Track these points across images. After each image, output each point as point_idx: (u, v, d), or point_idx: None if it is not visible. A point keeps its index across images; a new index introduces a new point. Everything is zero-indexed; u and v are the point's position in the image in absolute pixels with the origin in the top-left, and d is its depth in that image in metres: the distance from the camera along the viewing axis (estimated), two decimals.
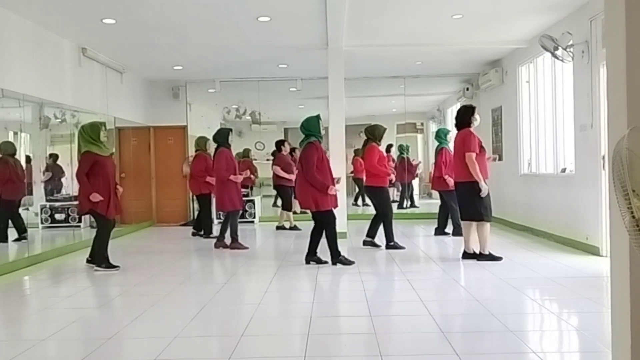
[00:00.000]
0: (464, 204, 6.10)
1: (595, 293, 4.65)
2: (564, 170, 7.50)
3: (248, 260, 6.75)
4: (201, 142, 8.85)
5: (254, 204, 11.01)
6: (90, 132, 5.94)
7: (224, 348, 3.39)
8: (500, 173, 9.81)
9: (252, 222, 10.93)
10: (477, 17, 7.21)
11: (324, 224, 6.05)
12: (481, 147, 6.05)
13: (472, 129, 6.05)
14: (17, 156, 7.41)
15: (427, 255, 7.01)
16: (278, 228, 9.71)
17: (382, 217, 7.14)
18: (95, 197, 5.81)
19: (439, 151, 8.13)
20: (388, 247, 7.11)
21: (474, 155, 5.85)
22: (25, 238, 7.23)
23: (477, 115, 6.12)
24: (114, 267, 6.07)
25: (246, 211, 10.92)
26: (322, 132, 6.10)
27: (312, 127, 6.00)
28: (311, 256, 6.15)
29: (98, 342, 3.53)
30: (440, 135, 8.28)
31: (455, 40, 8.44)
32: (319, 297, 4.73)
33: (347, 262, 6.04)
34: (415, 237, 8.57)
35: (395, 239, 7.17)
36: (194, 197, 8.88)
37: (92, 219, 6.73)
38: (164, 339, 3.50)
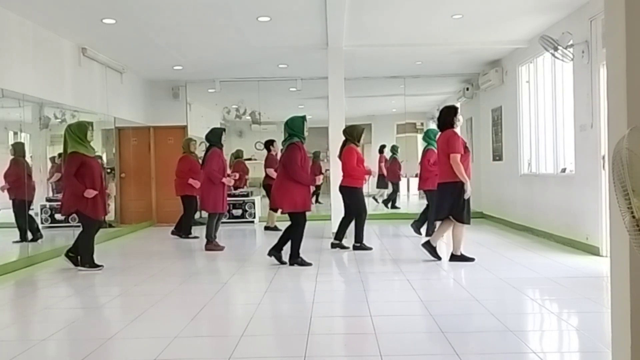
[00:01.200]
0: (443, 204, 6.06)
1: (595, 293, 4.65)
2: (564, 170, 7.50)
3: (248, 260, 6.75)
4: (185, 143, 8.91)
5: (253, 204, 11.01)
6: (78, 132, 5.90)
7: (224, 348, 3.39)
8: (500, 173, 9.82)
9: (252, 222, 10.92)
10: (477, 17, 7.21)
11: (294, 224, 6.05)
12: (465, 148, 6.04)
13: (455, 130, 6.04)
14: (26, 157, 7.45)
15: (427, 255, 6.99)
16: (266, 228, 9.63)
17: (356, 217, 7.10)
18: (90, 193, 5.77)
19: (426, 151, 8.12)
20: (355, 247, 7.10)
21: (458, 156, 5.83)
22: (26, 240, 7.24)
23: (459, 116, 6.12)
24: (97, 266, 6.05)
25: (246, 211, 10.92)
26: (306, 133, 6.08)
27: (296, 128, 6.00)
28: (276, 252, 6.13)
29: (98, 342, 3.53)
30: (430, 135, 8.25)
31: (455, 40, 8.44)
32: (319, 297, 4.72)
33: (304, 264, 6.04)
34: (413, 237, 8.56)
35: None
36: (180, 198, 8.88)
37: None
38: (164, 339, 3.50)
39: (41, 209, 8.64)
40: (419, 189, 8.67)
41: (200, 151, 9.72)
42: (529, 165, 8.73)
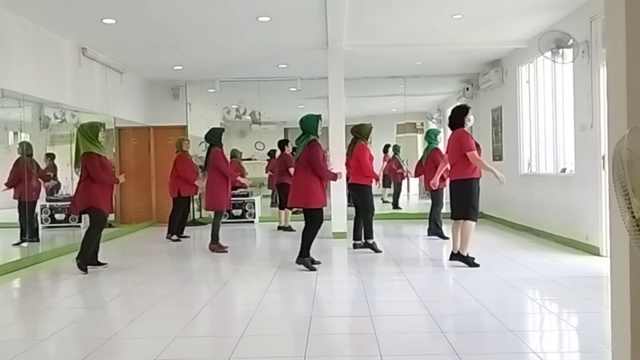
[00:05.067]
0: (455, 203, 6.03)
1: (595, 293, 4.65)
2: (564, 170, 7.50)
3: (248, 260, 6.75)
4: (178, 143, 8.94)
5: (253, 204, 11.02)
6: (90, 132, 5.97)
7: (224, 348, 3.39)
8: (501, 173, 9.80)
9: (252, 222, 10.93)
10: (477, 17, 7.22)
11: (311, 221, 5.98)
12: (476, 146, 6.05)
13: (465, 129, 6.03)
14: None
15: (427, 255, 7.01)
16: (280, 228, 9.69)
17: (363, 214, 7.11)
18: (122, 178, 6.11)
19: (432, 150, 8.15)
20: (366, 245, 7.08)
21: (475, 152, 5.85)
22: (33, 241, 7.29)
23: (470, 116, 6.08)
24: (103, 264, 6.20)
25: (246, 211, 10.93)
26: (319, 132, 6.07)
27: (310, 126, 5.98)
28: (300, 257, 6.07)
29: (98, 342, 3.53)
30: (431, 135, 8.31)
31: (455, 40, 8.44)
32: (318, 297, 4.73)
33: (311, 267, 5.91)
34: (413, 237, 8.57)
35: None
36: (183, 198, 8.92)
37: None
38: (164, 339, 3.50)
39: (41, 209, 8.64)
40: (426, 189, 8.67)
41: (200, 151, 9.72)
42: (529, 165, 8.73)
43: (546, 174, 8.07)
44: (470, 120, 6.09)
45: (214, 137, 7.46)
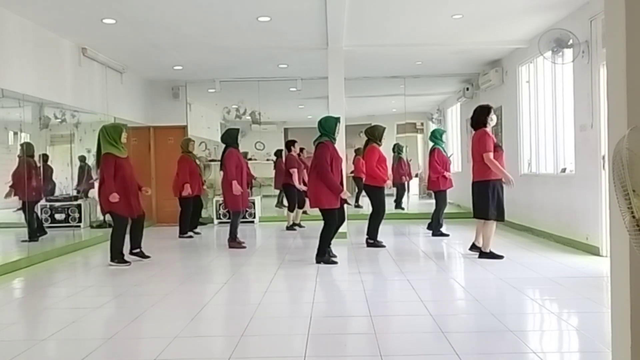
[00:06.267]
0: (476, 203, 6.17)
1: (595, 293, 4.65)
2: (564, 170, 7.50)
3: (248, 260, 6.75)
4: (184, 143, 9.02)
5: (254, 204, 11.01)
6: (113, 133, 6.18)
7: (224, 348, 3.39)
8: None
9: (252, 222, 10.92)
10: (477, 17, 7.22)
11: (325, 222, 6.13)
12: (497, 146, 6.16)
13: (487, 129, 6.08)
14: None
15: (427, 255, 7.01)
16: (298, 226, 9.85)
17: (374, 215, 7.26)
18: (114, 198, 6.04)
19: (432, 152, 8.20)
20: (369, 244, 7.25)
21: (491, 154, 5.94)
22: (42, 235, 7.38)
23: (493, 115, 6.19)
24: (125, 262, 6.33)
25: (246, 211, 10.92)
26: (337, 134, 6.27)
27: (328, 128, 6.18)
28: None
29: (98, 342, 3.53)
30: (436, 135, 8.35)
31: (455, 40, 8.44)
32: (319, 297, 4.73)
33: (330, 262, 6.13)
34: (414, 236, 8.57)
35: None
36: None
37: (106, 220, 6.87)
38: (164, 339, 3.50)
39: (41, 209, 8.62)
40: (428, 189, 8.75)
41: (200, 151, 9.72)
42: (529, 165, 8.72)
43: (546, 174, 8.06)
44: (493, 119, 6.21)
45: (229, 138, 7.70)
